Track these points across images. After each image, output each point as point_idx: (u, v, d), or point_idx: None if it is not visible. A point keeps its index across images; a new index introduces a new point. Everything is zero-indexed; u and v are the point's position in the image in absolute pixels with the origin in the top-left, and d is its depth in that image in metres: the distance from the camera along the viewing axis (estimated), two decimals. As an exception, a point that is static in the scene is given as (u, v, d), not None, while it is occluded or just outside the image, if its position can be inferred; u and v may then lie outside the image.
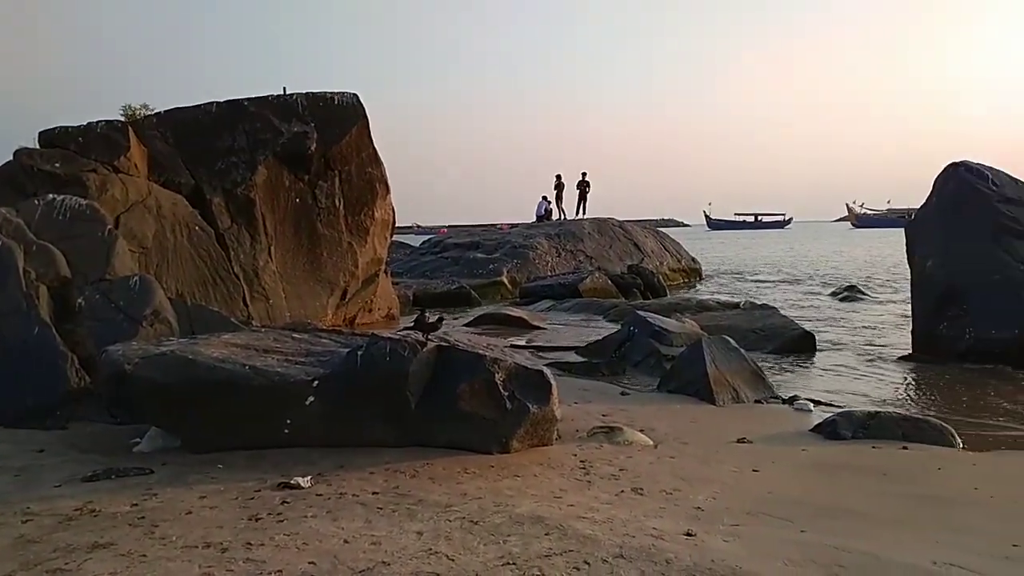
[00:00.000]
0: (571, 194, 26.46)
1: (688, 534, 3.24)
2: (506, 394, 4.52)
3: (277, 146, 10.46)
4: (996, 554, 3.27)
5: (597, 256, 21.11)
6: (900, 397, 7.50)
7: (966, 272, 8.86)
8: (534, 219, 26.07)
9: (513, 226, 25.33)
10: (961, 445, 5.36)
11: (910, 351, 9.34)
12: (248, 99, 10.78)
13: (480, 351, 4.69)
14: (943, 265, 9.17)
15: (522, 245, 20.54)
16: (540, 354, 8.97)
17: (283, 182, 10.53)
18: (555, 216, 26.16)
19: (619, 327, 9.58)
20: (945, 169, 9.74)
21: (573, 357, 8.87)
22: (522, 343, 10.08)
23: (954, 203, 9.43)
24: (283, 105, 10.80)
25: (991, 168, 9.50)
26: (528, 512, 3.45)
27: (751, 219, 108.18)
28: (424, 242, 24.29)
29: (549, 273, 19.26)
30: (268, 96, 10.90)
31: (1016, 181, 9.44)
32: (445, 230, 36.49)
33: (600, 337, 9.56)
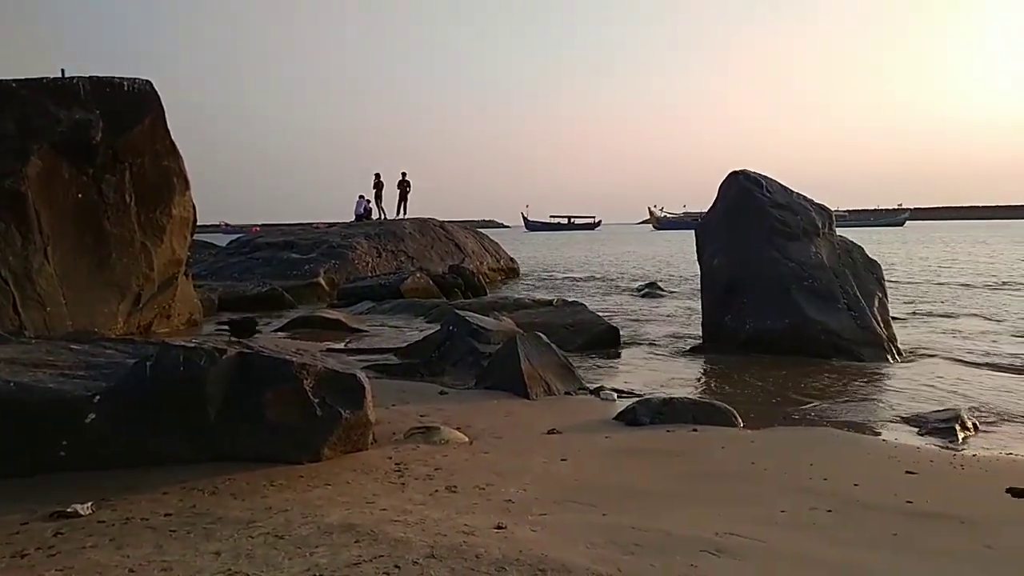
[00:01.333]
0: (391, 193, 26.21)
1: (499, 527, 3.31)
2: (316, 400, 4.35)
3: (54, 135, 9.33)
4: (768, 520, 3.68)
5: (418, 256, 21.07)
6: (692, 384, 8.21)
7: (745, 269, 9.89)
8: (353, 218, 25.50)
9: (331, 225, 24.56)
10: (742, 425, 5.95)
11: (701, 342, 10.27)
12: (17, 81, 9.51)
13: (288, 356, 4.48)
14: (726, 263, 10.17)
15: (340, 245, 19.99)
16: (358, 357, 8.78)
17: (62, 175, 9.41)
18: (375, 215, 25.76)
19: (439, 327, 9.62)
20: (728, 177, 10.81)
21: (393, 359, 8.77)
22: (340, 347, 9.80)
23: (735, 207, 10.49)
24: (61, 89, 9.65)
25: (765, 176, 10.69)
26: (338, 520, 3.35)
27: (565, 221, 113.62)
28: (232, 242, 22.88)
29: (369, 274, 18.92)
30: (43, 79, 9.68)
31: (785, 188, 10.68)
32: (257, 228, 34.61)
33: (420, 338, 9.54)
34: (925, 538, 3.51)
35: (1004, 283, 19.65)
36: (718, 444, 5.24)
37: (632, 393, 7.17)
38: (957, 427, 5.81)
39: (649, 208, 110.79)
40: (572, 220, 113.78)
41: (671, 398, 6.28)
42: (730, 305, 9.90)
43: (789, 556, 3.18)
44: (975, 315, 13.62)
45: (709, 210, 11.26)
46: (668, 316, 13.86)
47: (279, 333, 11.28)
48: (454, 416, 5.79)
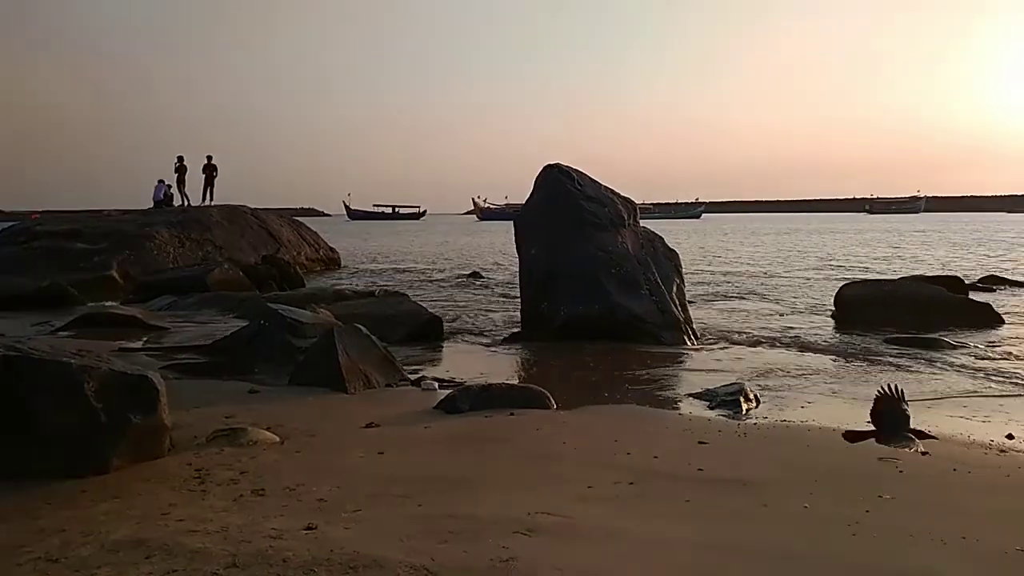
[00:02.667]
0: (195, 178, 24.30)
1: (309, 528, 3.18)
2: (100, 406, 3.92)
3: None
4: (577, 497, 3.85)
5: (227, 246, 19.78)
6: (511, 370, 8.44)
7: (559, 259, 10.32)
8: (151, 205, 23.39)
9: (125, 212, 22.34)
10: (556, 407, 6.20)
11: (520, 330, 10.58)
12: None
13: (64, 358, 3.99)
14: (542, 253, 10.55)
15: (137, 234, 18.26)
16: (157, 356, 8.07)
17: None
18: (177, 202, 23.80)
19: (249, 322, 9.08)
20: (543, 170, 11.20)
21: (197, 358, 8.15)
22: (136, 346, 8.96)
23: (550, 199, 10.90)
24: None
25: (576, 170, 11.20)
26: (127, 536, 3.05)
27: (389, 210, 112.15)
28: (5, 230, 20.11)
29: (171, 265, 17.47)
30: None
31: (594, 182, 11.26)
32: (37, 215, 30.71)
33: (228, 333, 8.95)
34: (713, 501, 3.86)
35: (768, 272, 22.21)
36: (533, 427, 5.42)
37: (453, 382, 7.22)
38: (741, 400, 6.46)
39: (473, 199, 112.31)
40: (396, 209, 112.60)
41: (489, 384, 6.40)
42: (546, 293, 10.28)
43: (594, 529, 3.35)
44: (757, 298, 15.23)
45: (527, 202, 11.60)
46: (490, 305, 14.14)
47: (60, 333, 10.08)
48: (265, 416, 5.49)
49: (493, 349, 9.71)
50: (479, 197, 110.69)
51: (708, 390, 6.92)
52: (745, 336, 10.46)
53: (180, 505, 3.52)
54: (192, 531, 3.13)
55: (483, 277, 19.52)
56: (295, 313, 8.69)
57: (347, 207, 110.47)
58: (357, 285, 17.05)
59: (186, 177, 24.00)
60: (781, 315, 12.80)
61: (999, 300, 13.79)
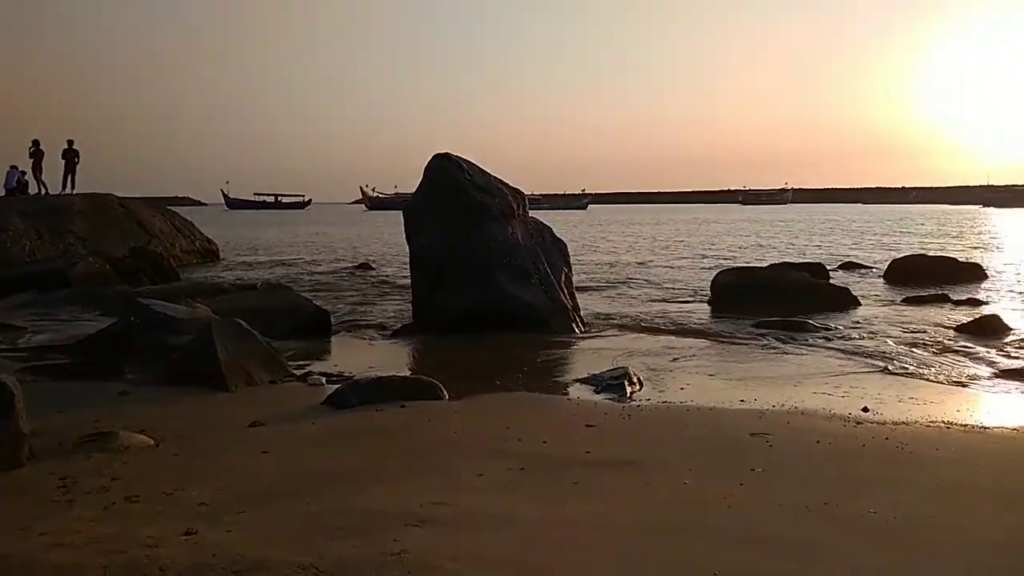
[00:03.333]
0: (54, 165, 22.38)
1: (188, 533, 3.03)
2: (-56, 414, 3.56)
3: None
4: (469, 486, 3.88)
5: (92, 238, 18.38)
6: (402, 362, 8.36)
7: (451, 249, 10.29)
8: (3, 193, 21.38)
9: (-28, 202, 20.28)
10: (448, 397, 6.20)
11: (411, 321, 10.48)
12: None
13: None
14: (433, 243, 10.49)
15: (-15, 226, 16.62)
16: (13, 358, 7.42)
17: None
18: (33, 190, 21.86)
19: (118, 319, 8.51)
20: (432, 159, 11.10)
21: (60, 358, 7.55)
22: (-14, 347, 8.18)
23: (440, 190, 10.83)
24: None
25: (466, 160, 11.18)
26: (-21, 555, 2.79)
27: (271, 199, 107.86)
28: None
29: (28, 259, 16.06)
30: None
31: (484, 172, 11.29)
32: None
33: (95, 331, 8.35)
34: (601, 482, 3.99)
35: (649, 261, 23.18)
36: (424, 418, 5.40)
37: (342, 376, 7.07)
38: (626, 383, 6.70)
39: (361, 188, 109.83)
40: (279, 198, 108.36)
41: (380, 377, 6.32)
42: (437, 284, 10.23)
43: (486, 516, 3.39)
44: (639, 286, 15.83)
45: (416, 191, 11.48)
46: (380, 297, 13.93)
47: None
48: (137, 418, 5.17)
49: (384, 342, 9.58)
50: (367, 186, 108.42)
51: (595, 375, 7.13)
52: (629, 322, 10.84)
53: (42, 517, 3.26)
54: (57, 544, 2.91)
55: (373, 268, 19.19)
56: (169, 308, 8.23)
57: (225, 196, 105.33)
58: (237, 278, 16.33)
59: (43, 163, 22.05)
60: (662, 302, 13.35)
61: (855, 283, 15.01)
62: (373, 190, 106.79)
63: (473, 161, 11.22)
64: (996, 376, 7.47)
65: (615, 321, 10.94)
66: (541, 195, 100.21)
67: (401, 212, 11.53)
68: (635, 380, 6.87)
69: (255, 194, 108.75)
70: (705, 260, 22.18)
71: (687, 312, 11.95)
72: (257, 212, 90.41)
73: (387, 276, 17.90)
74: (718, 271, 14.45)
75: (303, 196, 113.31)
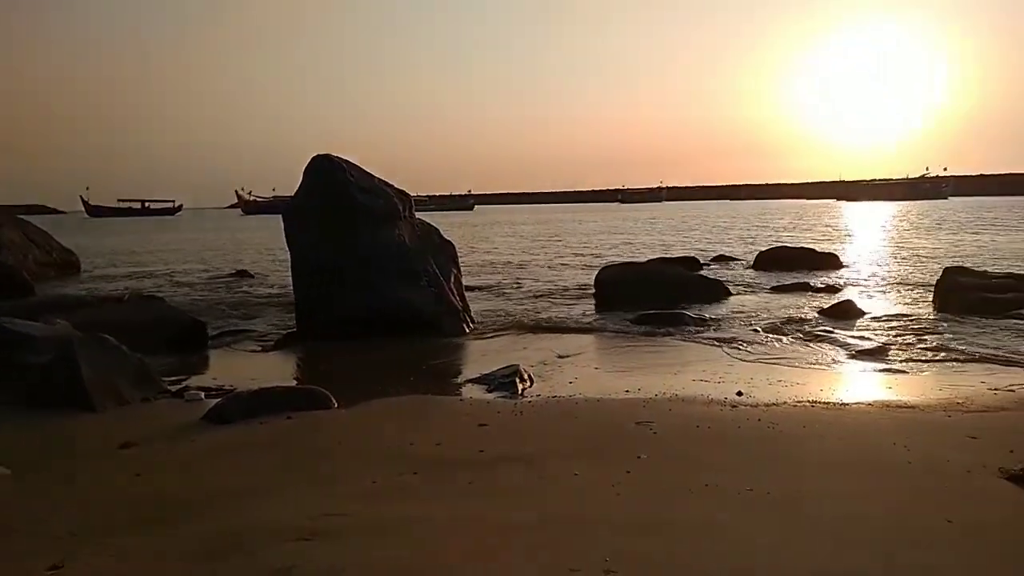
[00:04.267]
0: None
1: (54, 568, 2.80)
2: None
3: None
4: (361, 494, 3.80)
5: (-72, 252, 16.57)
6: (287, 372, 8.07)
7: (335, 253, 10.03)
8: None
9: None
10: (337, 405, 6.05)
11: (295, 329, 10.14)
12: None
13: None
14: (316, 247, 10.19)
15: None
16: None
17: None
18: None
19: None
20: (312, 161, 10.78)
21: None
22: None
23: (321, 192, 10.54)
24: None
25: (348, 161, 10.94)
26: None
27: (137, 206, 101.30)
28: None
29: None
30: None
31: (367, 173, 11.09)
32: None
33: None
34: (495, 480, 4.02)
35: (535, 260, 23.65)
36: (313, 428, 5.24)
37: (222, 390, 6.73)
38: (517, 381, 6.79)
39: (237, 191, 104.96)
40: (147, 205, 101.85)
41: (263, 389, 6.07)
42: (322, 289, 9.95)
43: (380, 524, 3.33)
44: (527, 284, 16.06)
45: (296, 194, 11.11)
46: (261, 305, 13.37)
47: None
48: (-11, 446, 4.71)
49: (267, 352, 9.21)
50: (243, 189, 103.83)
51: (486, 374, 7.17)
52: (518, 321, 10.98)
53: None
54: None
55: (252, 276, 18.39)
56: (22, 325, 7.54)
57: (86, 203, 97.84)
58: (101, 291, 15.19)
59: None
60: (548, 299, 13.60)
61: (727, 275, 15.91)
62: (250, 194, 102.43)
63: (356, 162, 11.01)
64: (852, 357, 8.14)
65: (505, 320, 11.05)
66: (427, 196, 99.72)
67: (280, 216, 11.12)
68: (526, 377, 6.98)
69: (119, 200, 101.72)
70: (585, 258, 22.78)
71: (573, 308, 12.25)
72: (122, 220, 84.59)
73: (267, 283, 17.22)
74: (601, 268, 14.91)
75: (173, 202, 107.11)
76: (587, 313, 11.77)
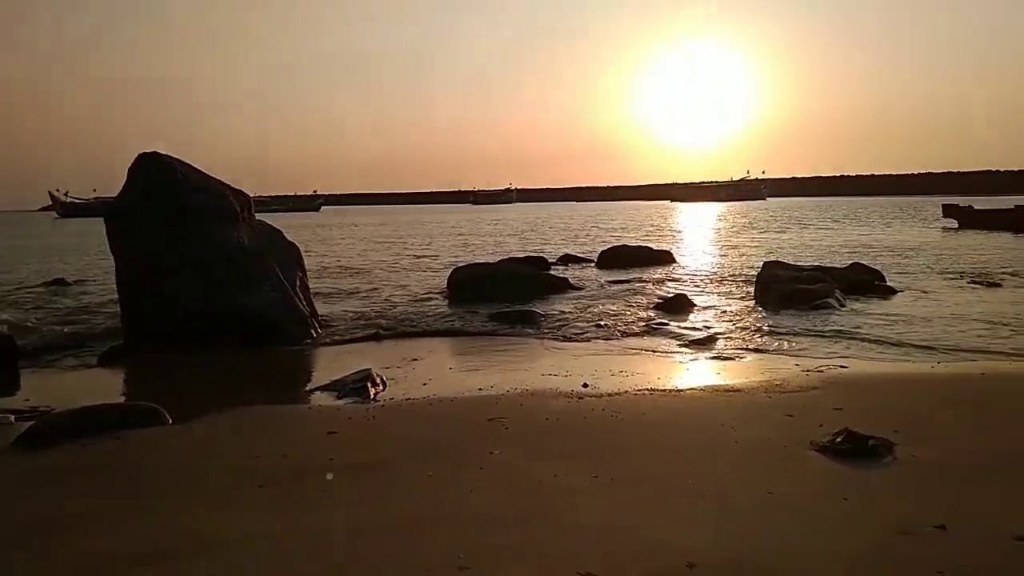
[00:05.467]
0: None
1: None
2: None
3: None
4: (200, 513, 3.58)
5: None
6: (114, 388, 7.43)
7: (167, 256, 9.35)
8: None
9: None
10: (172, 421, 5.64)
11: (123, 341, 9.34)
12: None
13: None
14: (145, 251, 9.44)
15: None
16: None
17: None
18: None
19: None
20: (138, 159, 9.98)
21: None
22: None
23: (150, 191, 9.78)
24: None
25: (178, 160, 10.23)
26: None
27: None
28: None
29: None
30: None
31: (201, 173, 10.42)
32: None
33: None
34: (346, 488, 3.93)
35: (386, 262, 23.42)
36: (144, 448, 4.87)
37: (36, 411, 6.08)
38: (369, 385, 6.67)
39: (51, 192, 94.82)
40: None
41: (85, 408, 5.54)
42: (153, 296, 9.24)
43: (222, 542, 3.16)
44: (378, 286, 15.82)
45: (120, 194, 10.23)
46: (82, 315, 12.18)
47: None
48: None
49: (90, 368, 8.40)
50: (58, 190, 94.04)
51: (336, 380, 6.99)
52: (369, 324, 10.78)
53: None
54: None
55: (69, 284, 16.72)
56: None
57: None
58: None
59: None
60: (400, 301, 13.47)
61: (573, 273, 16.55)
62: (66, 195, 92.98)
63: (189, 162, 10.33)
64: (685, 346, 8.76)
65: (355, 324, 10.82)
66: (269, 196, 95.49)
67: (103, 218, 10.19)
68: (378, 381, 6.87)
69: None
70: (436, 259, 22.81)
71: (425, 309, 12.22)
72: (-95, 224, 73.79)
73: (88, 292, 15.73)
74: (453, 268, 15.01)
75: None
76: (440, 314, 11.78)
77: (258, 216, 10.87)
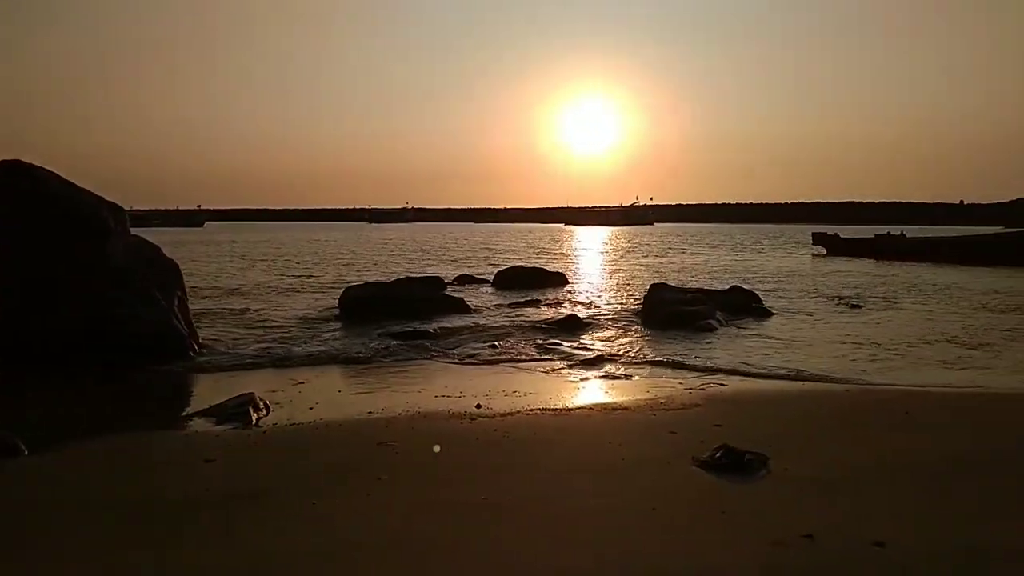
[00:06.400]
0: None
1: None
2: None
3: None
4: (53, 553, 3.27)
5: None
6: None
7: (24, 272, 8.63)
8: None
9: None
10: (27, 452, 5.16)
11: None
12: None
13: None
14: (13, 266, 8.66)
15: None
16: None
17: None
18: None
19: None
20: (-3, 167, 9.19)
21: None
22: None
23: (12, 204, 8.99)
24: None
25: (44, 169, 9.47)
26: None
27: None
28: None
29: None
30: None
31: (69, 184, 9.68)
32: None
33: None
34: (223, 519, 3.70)
35: (273, 282, 22.68)
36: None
37: None
38: (251, 410, 6.35)
39: None
40: None
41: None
42: (14, 315, 8.48)
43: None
44: (262, 305, 15.20)
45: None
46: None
47: None
48: None
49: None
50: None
51: (216, 405, 6.62)
52: (253, 345, 10.33)
53: None
54: None
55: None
56: None
57: None
58: None
59: None
60: (286, 322, 12.99)
61: (468, 293, 16.55)
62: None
63: (55, 171, 9.59)
64: (575, 366, 8.93)
65: (237, 345, 10.33)
66: (148, 210, 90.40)
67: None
68: (261, 406, 6.57)
69: None
70: (327, 278, 22.24)
71: (315, 328, 11.85)
72: None
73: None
74: (345, 287, 14.67)
75: None
76: (332, 332, 11.47)
77: (135, 231, 10.23)
